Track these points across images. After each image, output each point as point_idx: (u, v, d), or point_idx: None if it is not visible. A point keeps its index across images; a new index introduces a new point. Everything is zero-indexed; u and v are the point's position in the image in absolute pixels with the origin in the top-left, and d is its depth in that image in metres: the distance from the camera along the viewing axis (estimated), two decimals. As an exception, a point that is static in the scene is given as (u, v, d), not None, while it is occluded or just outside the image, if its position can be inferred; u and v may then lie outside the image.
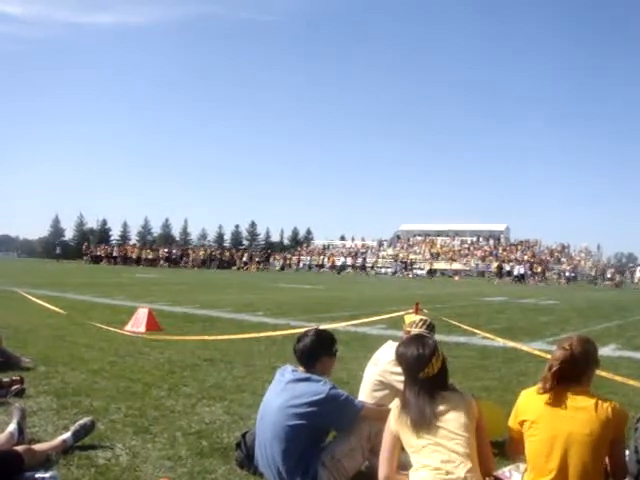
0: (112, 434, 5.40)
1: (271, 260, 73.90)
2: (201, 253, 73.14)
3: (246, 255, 72.98)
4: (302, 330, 9.95)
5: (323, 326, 10.94)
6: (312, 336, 4.62)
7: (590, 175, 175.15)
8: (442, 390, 3.75)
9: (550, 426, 3.64)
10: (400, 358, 3.87)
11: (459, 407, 3.69)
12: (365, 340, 11.50)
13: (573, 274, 59.44)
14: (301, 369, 4.55)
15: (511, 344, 9.68)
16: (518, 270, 57.84)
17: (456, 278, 60.50)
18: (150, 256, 69.52)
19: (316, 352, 4.54)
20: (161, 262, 67.89)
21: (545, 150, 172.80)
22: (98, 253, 73.29)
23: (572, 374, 3.75)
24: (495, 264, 62.96)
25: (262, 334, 10.58)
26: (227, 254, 75.02)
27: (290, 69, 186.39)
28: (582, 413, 3.62)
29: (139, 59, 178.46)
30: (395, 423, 3.77)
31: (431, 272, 65.12)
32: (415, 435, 3.66)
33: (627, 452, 4.46)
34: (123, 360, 9.03)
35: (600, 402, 3.66)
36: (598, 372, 4.88)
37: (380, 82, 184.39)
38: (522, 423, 3.78)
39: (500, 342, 10.09)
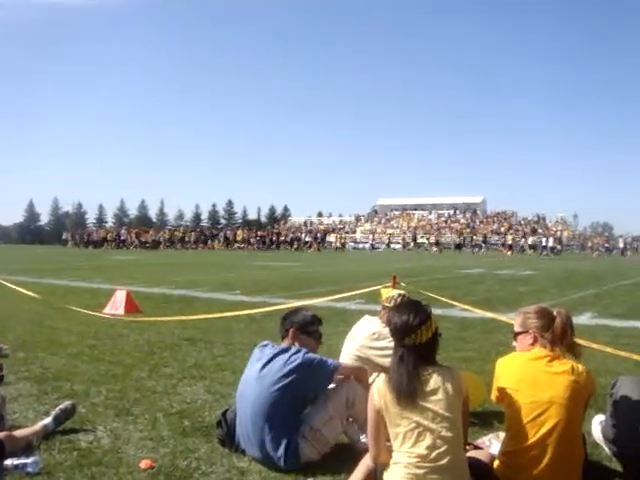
0: (93, 417, 5.40)
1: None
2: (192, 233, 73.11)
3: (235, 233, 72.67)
4: (280, 307, 10.03)
5: (302, 302, 11.06)
6: (291, 314, 4.74)
7: (565, 144, 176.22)
8: (428, 364, 3.56)
9: (530, 392, 3.66)
10: (389, 323, 3.71)
11: (448, 385, 3.50)
12: (345, 315, 11.54)
13: (559, 246, 59.57)
14: (282, 343, 4.65)
15: (489, 315, 9.75)
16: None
17: (435, 250, 60.75)
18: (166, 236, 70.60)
19: (290, 327, 4.65)
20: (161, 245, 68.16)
21: (520, 121, 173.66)
22: (96, 237, 72.56)
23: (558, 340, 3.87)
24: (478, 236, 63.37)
25: (240, 312, 10.57)
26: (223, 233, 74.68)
27: (268, 46, 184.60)
28: (561, 377, 3.66)
29: (111, 39, 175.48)
30: (379, 399, 3.56)
31: (407, 245, 65.41)
32: (399, 415, 3.48)
33: (602, 417, 4.55)
34: (102, 343, 9.00)
35: (575, 366, 3.71)
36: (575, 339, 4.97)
37: (354, 58, 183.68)
38: (502, 390, 3.80)
39: (478, 313, 10.15)
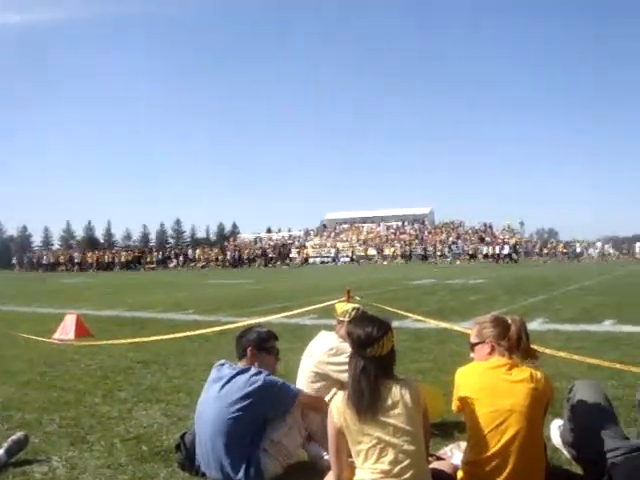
0: (47, 447, 5.24)
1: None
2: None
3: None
4: (234, 326, 9.94)
5: (255, 320, 10.99)
6: (246, 332, 4.69)
7: (509, 152, 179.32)
8: (388, 377, 3.55)
9: (490, 401, 3.68)
10: (351, 334, 3.65)
11: (407, 398, 3.49)
12: (299, 331, 11.49)
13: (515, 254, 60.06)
14: (240, 363, 4.59)
15: (443, 325, 9.82)
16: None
17: (385, 263, 61.15)
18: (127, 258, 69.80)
19: (247, 345, 4.60)
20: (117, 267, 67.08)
21: (463, 130, 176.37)
22: (46, 260, 71.31)
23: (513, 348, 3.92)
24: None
25: (194, 332, 10.46)
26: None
27: (207, 64, 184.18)
28: (520, 385, 3.69)
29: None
30: (338, 417, 3.54)
31: (355, 259, 65.51)
32: (360, 432, 3.46)
33: (560, 422, 4.60)
34: (53, 369, 8.78)
35: (534, 373, 3.75)
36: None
37: (298, 68, 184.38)
38: (463, 399, 3.81)
39: (432, 324, 10.23)
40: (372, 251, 68.58)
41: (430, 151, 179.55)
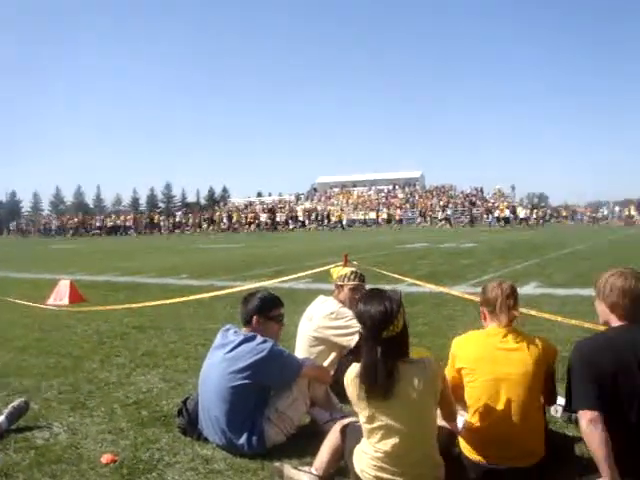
0: (47, 413, 5.25)
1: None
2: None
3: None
4: (228, 291, 9.93)
5: (250, 285, 10.98)
6: (252, 298, 4.63)
7: (501, 115, 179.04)
8: (403, 359, 3.40)
9: (488, 370, 3.70)
10: (363, 316, 3.39)
11: (420, 380, 3.36)
12: (293, 295, 11.47)
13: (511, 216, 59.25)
14: (244, 330, 4.56)
15: (437, 289, 9.85)
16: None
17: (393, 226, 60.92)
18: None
19: (253, 313, 4.54)
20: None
21: (456, 92, 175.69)
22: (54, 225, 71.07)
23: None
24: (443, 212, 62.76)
25: (189, 297, 10.44)
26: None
27: (196, 27, 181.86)
28: (517, 354, 3.69)
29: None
30: (350, 393, 3.47)
31: (342, 224, 64.48)
32: (368, 411, 3.39)
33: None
34: (49, 335, 8.78)
35: (530, 340, 3.75)
36: (523, 309, 5.04)
37: (286, 26, 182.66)
38: (459, 370, 3.83)
39: (426, 288, 10.26)
40: (362, 215, 67.73)
41: (421, 114, 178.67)
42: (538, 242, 27.85)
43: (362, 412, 3.45)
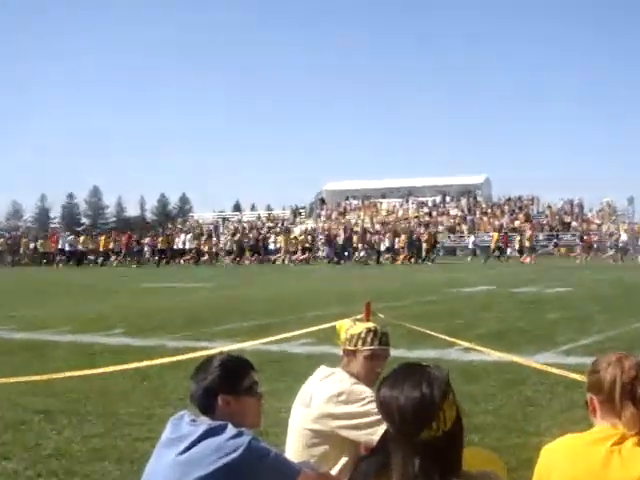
0: None
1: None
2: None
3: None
4: (187, 356, 9.91)
5: (218, 346, 10.94)
6: (208, 367, 4.51)
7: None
8: (454, 472, 3.16)
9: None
10: (388, 407, 3.20)
11: None
12: (286, 363, 11.49)
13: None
14: (202, 417, 4.47)
15: (508, 357, 9.78)
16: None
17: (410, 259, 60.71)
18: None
19: (214, 391, 4.45)
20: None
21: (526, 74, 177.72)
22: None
23: None
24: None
25: (125, 366, 10.33)
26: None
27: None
28: (634, 473, 3.53)
29: None
30: None
31: (369, 253, 63.84)
32: None
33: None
34: None
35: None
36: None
37: None
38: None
39: (492, 355, 10.19)
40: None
41: (477, 100, 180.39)
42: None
43: None
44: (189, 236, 67.39)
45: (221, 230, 77.93)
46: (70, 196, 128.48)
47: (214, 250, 66.67)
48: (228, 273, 46.81)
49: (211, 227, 79.79)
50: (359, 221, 75.45)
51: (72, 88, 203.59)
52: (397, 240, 59.39)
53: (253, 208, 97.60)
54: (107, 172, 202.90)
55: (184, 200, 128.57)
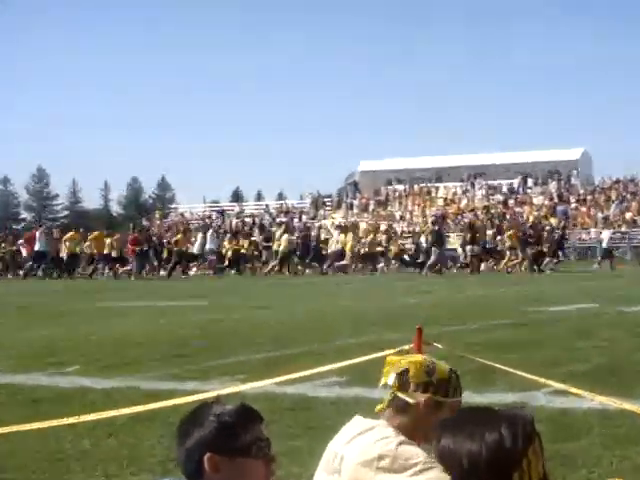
0: None
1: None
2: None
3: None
4: (170, 402, 9.93)
5: (217, 389, 10.93)
6: (199, 418, 4.47)
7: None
8: None
9: None
10: (452, 456, 3.19)
11: None
12: (306, 412, 11.48)
13: None
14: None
15: (617, 404, 9.68)
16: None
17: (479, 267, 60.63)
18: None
19: (204, 450, 4.39)
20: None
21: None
22: None
23: None
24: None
25: (83, 418, 10.31)
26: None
27: None
28: None
29: None
30: None
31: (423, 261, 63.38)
32: None
33: None
34: None
35: None
36: None
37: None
38: None
39: (594, 401, 10.11)
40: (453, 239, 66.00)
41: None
42: None
43: None
44: (209, 234, 66.54)
45: (217, 223, 77.50)
46: (5, 181, 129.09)
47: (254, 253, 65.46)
48: (231, 286, 46.91)
49: (201, 222, 79.43)
50: (406, 213, 75.42)
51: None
52: (499, 238, 58.79)
53: (259, 197, 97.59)
54: (56, 152, 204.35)
55: (164, 186, 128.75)
